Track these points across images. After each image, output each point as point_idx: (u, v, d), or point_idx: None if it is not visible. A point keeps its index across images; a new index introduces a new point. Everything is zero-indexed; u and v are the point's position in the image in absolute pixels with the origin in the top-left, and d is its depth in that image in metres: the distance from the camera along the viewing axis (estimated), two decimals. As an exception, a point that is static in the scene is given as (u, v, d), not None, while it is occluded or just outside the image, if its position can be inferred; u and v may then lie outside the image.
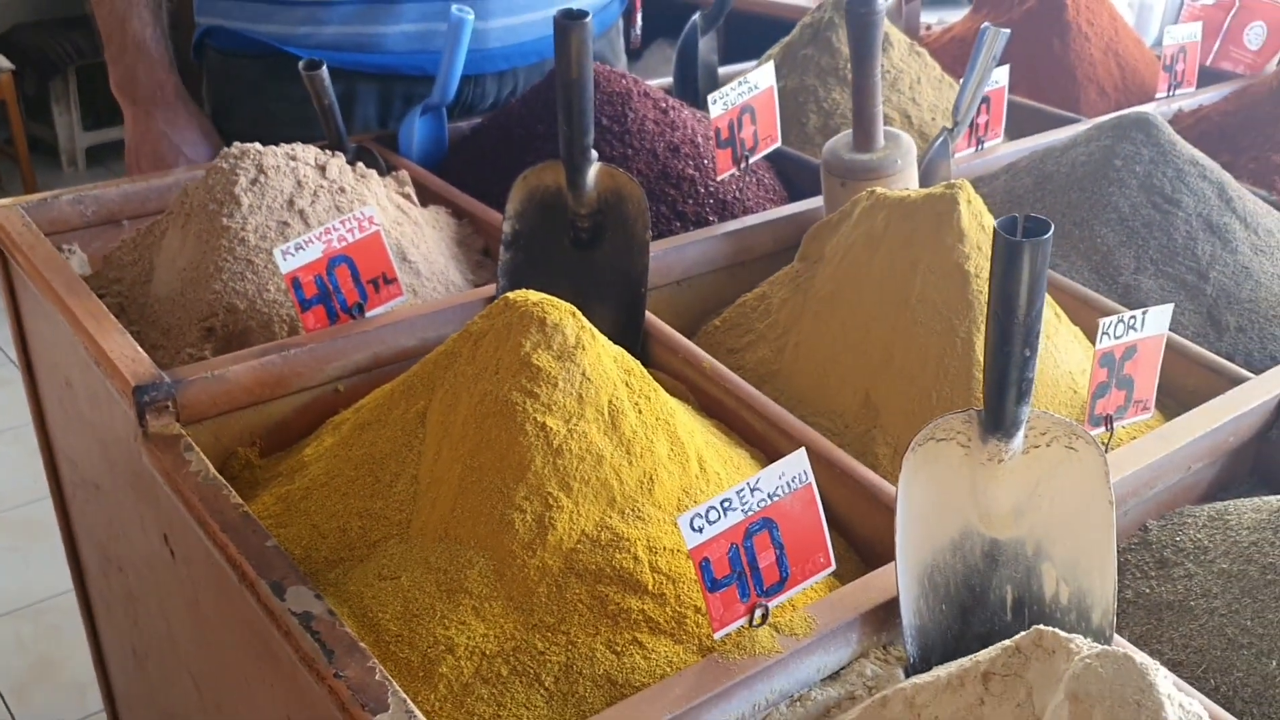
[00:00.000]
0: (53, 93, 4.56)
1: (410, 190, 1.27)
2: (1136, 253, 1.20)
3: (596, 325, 0.91)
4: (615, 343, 0.91)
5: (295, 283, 1.02)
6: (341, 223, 1.03)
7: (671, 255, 1.22)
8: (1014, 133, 1.57)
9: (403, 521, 0.83)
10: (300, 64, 1.29)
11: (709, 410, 1.04)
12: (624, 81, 1.38)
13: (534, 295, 0.86)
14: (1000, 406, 0.73)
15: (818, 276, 1.11)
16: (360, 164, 1.21)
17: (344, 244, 1.03)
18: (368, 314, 1.06)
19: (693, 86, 1.61)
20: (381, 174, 1.34)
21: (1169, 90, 1.66)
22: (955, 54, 1.78)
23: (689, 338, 1.13)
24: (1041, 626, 0.63)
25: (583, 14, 0.99)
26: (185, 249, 1.11)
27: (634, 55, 3.47)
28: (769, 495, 0.73)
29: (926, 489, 0.77)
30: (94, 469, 1.19)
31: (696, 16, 1.62)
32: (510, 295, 0.87)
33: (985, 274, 1.01)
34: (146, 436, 0.94)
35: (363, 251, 1.05)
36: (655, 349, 1.10)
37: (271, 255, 1.09)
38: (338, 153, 1.20)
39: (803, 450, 0.74)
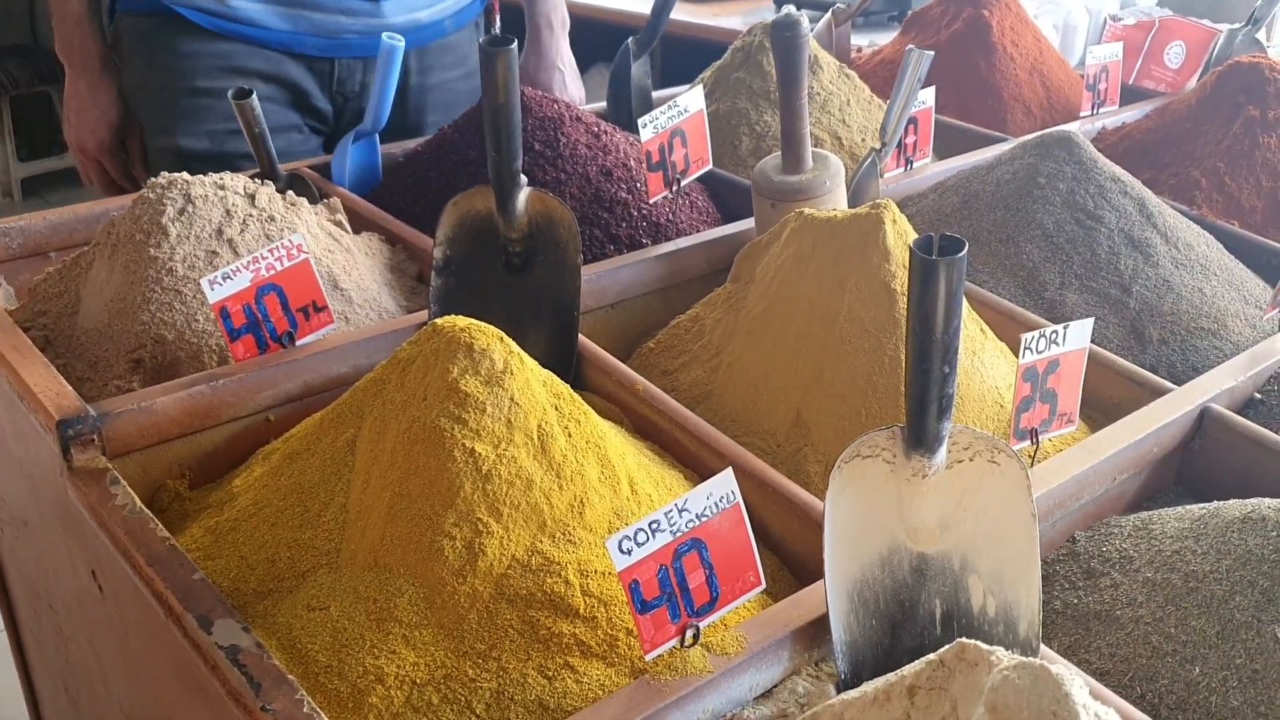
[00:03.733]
0: (-14, 123, 4.49)
1: (342, 217, 1.27)
2: (1061, 268, 1.23)
3: (529, 349, 0.91)
4: (548, 366, 0.91)
5: (223, 312, 1.01)
6: (270, 251, 1.02)
7: (605, 278, 1.22)
8: (943, 152, 1.60)
9: (332, 551, 0.82)
10: (229, 92, 1.29)
11: (642, 432, 1.04)
12: (555, 106, 1.38)
13: (462, 321, 0.86)
14: (922, 423, 0.74)
15: (749, 297, 1.12)
16: (290, 192, 1.21)
17: (272, 272, 1.03)
18: (298, 342, 1.06)
19: (626, 110, 1.62)
20: (314, 202, 1.34)
21: (1093, 109, 1.69)
22: (885, 76, 1.81)
23: (624, 360, 1.13)
24: (964, 639, 0.63)
25: (508, 40, 0.99)
26: (112, 280, 1.10)
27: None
28: (697, 515, 0.73)
29: (854, 506, 0.78)
30: (21, 505, 1.17)
31: (630, 41, 1.63)
32: (438, 321, 0.87)
33: (912, 292, 1.02)
34: (72, 471, 0.93)
35: (292, 279, 1.04)
36: (589, 372, 1.10)
37: (200, 285, 1.08)
38: (267, 181, 1.19)
39: (730, 470, 0.75)
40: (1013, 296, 1.23)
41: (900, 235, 1.05)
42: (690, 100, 1.27)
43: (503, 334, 0.86)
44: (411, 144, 1.54)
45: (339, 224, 1.25)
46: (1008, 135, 1.66)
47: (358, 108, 1.70)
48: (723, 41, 2.85)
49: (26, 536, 1.19)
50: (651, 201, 1.30)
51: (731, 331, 1.11)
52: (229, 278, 1.01)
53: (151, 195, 1.12)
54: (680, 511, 0.73)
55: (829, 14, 1.84)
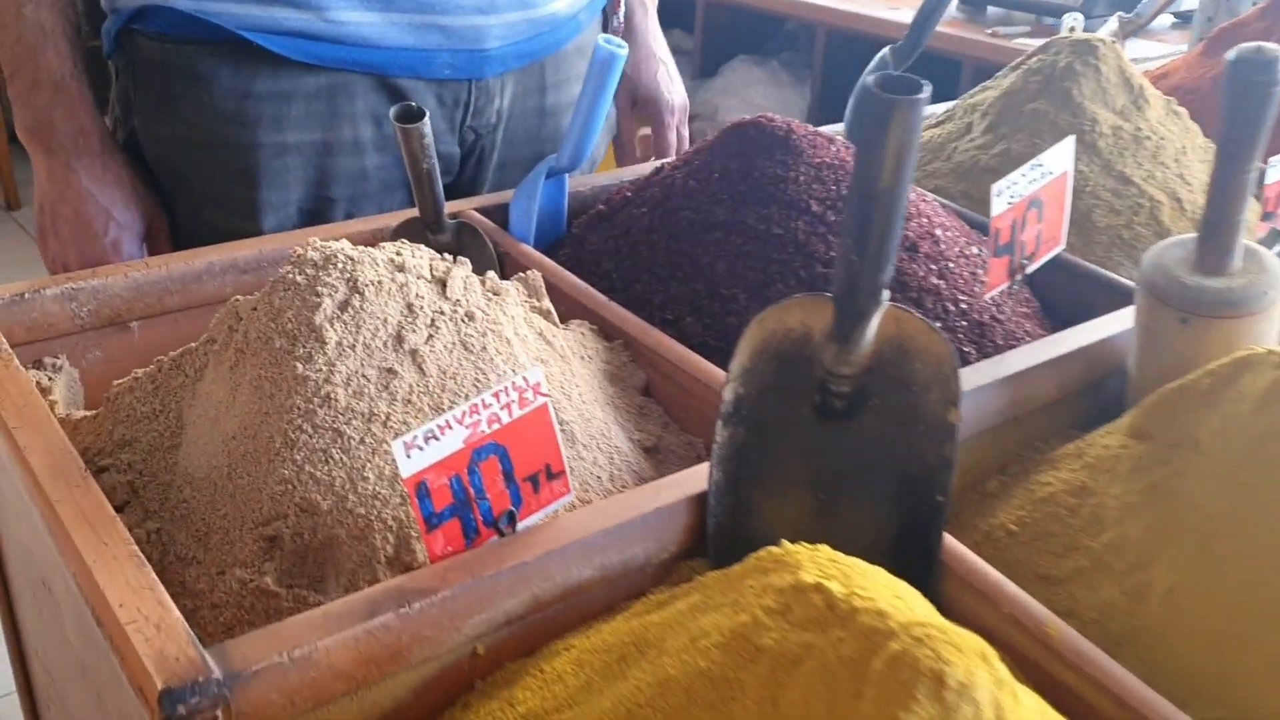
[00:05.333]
0: (36, 82, 4.16)
1: (549, 305, 0.89)
2: None
3: (850, 543, 0.55)
4: (888, 569, 0.56)
5: (421, 489, 0.64)
6: (495, 396, 0.65)
7: (929, 414, 0.84)
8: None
9: None
10: (393, 111, 0.92)
11: (1043, 690, 0.66)
12: (832, 148, 1.00)
13: (897, 611, 0.48)
14: None
15: (1190, 475, 0.74)
16: (491, 274, 0.83)
17: (496, 426, 0.65)
18: (520, 525, 0.68)
19: (878, 143, 1.23)
20: (487, 266, 0.97)
21: None
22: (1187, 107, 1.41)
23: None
24: None
25: (916, 83, 0.61)
26: (236, 404, 0.73)
27: (708, 71, 3.07)
28: None
29: None
30: (81, 708, 0.81)
31: (886, 51, 1.23)
32: (860, 602, 0.49)
33: None
34: (180, 766, 0.56)
35: (521, 435, 0.67)
36: (950, 587, 0.72)
37: (369, 422, 0.71)
38: (459, 259, 0.81)
39: None
40: None
41: None
42: (1055, 158, 0.89)
43: (984, 647, 0.48)
44: (604, 181, 1.17)
45: (547, 315, 0.88)
46: (1370, 199, 1.26)
47: (490, 145, 1.26)
48: (889, 38, 2.44)
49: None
50: (988, 296, 0.92)
51: (1165, 529, 0.73)
52: (434, 438, 0.63)
53: (299, 278, 0.74)
54: None
55: (1112, 23, 1.44)
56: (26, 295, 0.90)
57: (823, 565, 0.53)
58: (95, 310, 0.93)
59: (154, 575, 0.62)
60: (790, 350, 0.73)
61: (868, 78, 0.61)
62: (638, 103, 1.52)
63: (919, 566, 0.71)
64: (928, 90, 0.60)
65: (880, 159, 0.62)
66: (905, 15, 2.50)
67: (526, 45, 1.23)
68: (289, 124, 1.12)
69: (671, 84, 1.51)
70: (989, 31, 2.26)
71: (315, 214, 1.17)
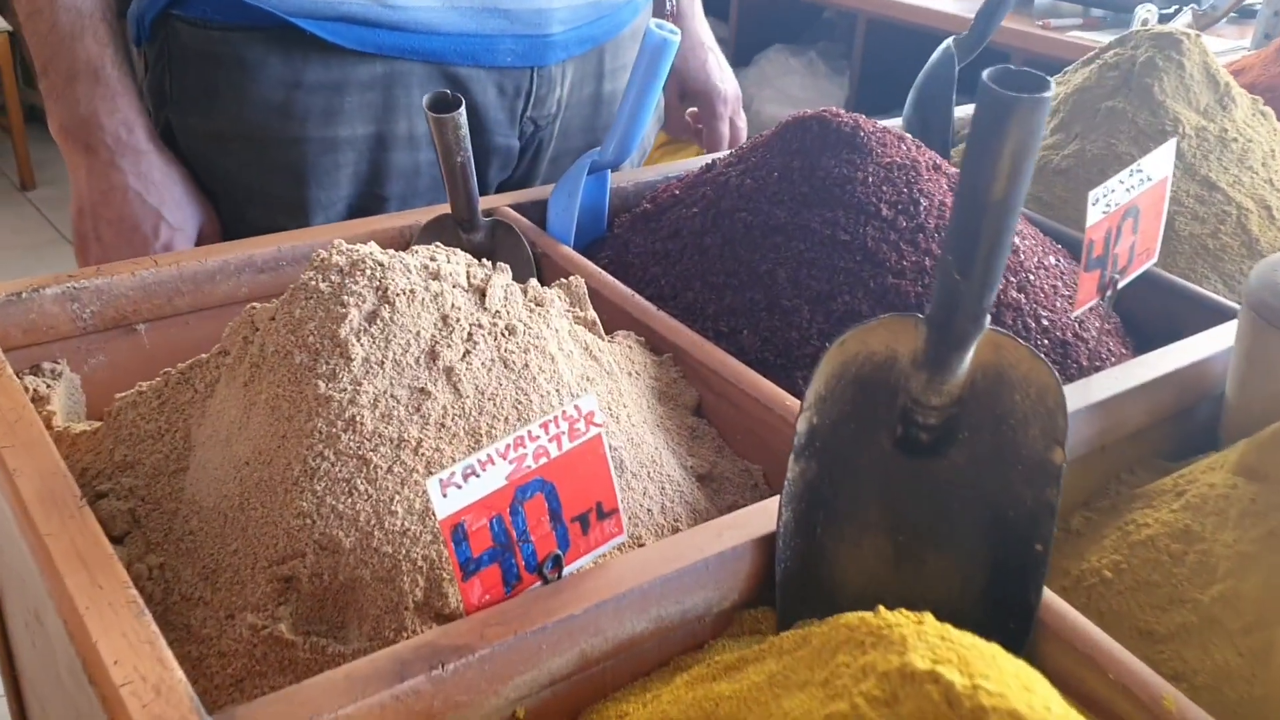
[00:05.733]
0: (53, 59, 4.09)
1: (594, 315, 0.81)
2: None
3: (932, 593, 0.49)
4: (977, 627, 0.49)
5: (458, 531, 0.56)
6: (543, 427, 0.57)
7: (1012, 444, 0.76)
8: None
9: None
10: (425, 100, 0.84)
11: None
12: (902, 147, 0.91)
13: (1038, 708, 0.40)
14: None
15: (1316, 526, 0.66)
16: (533, 282, 0.75)
17: (543, 460, 0.58)
18: (566, 570, 0.61)
19: (941, 139, 1.16)
20: (527, 267, 0.89)
21: None
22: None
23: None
24: None
25: (1039, 82, 0.52)
26: (250, 426, 0.65)
27: (742, 60, 2.98)
28: None
29: None
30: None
31: (950, 42, 1.15)
32: (988, 699, 0.41)
33: None
34: None
35: (571, 471, 0.59)
36: (1046, 647, 0.64)
37: (398, 449, 0.64)
38: (499, 265, 0.73)
39: None
40: None
41: None
42: (1154, 163, 0.80)
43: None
44: (648, 177, 1.09)
45: (592, 327, 0.80)
46: None
47: (549, 137, 1.18)
48: (933, 28, 2.36)
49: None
50: (1075, 314, 0.84)
51: (1286, 585, 0.65)
52: (474, 474, 0.55)
53: (323, 286, 0.67)
54: None
55: (1185, 15, 1.35)
56: (24, 294, 0.82)
57: (933, 644, 0.45)
58: (99, 311, 0.85)
59: (154, 627, 0.55)
60: (872, 376, 0.65)
61: (984, 72, 0.53)
62: (686, 95, 1.44)
63: (1013, 624, 0.64)
64: (1052, 89, 0.52)
65: (994, 165, 0.54)
66: (948, 5, 2.41)
67: (589, 29, 1.15)
68: (340, 117, 1.04)
69: (722, 73, 1.43)
70: (1039, 23, 2.17)
71: (365, 213, 1.08)
